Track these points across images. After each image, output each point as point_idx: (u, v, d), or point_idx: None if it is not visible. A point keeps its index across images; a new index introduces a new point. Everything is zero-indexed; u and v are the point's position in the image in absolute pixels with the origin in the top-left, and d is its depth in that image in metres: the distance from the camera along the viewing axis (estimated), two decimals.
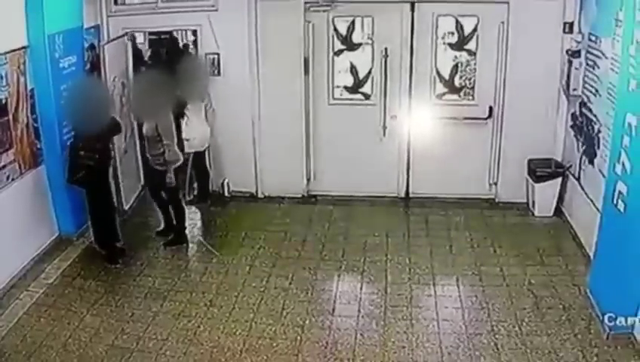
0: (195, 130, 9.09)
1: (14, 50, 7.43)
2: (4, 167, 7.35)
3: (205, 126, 9.48)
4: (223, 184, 10.12)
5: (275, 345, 6.49)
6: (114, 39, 9.36)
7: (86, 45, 8.86)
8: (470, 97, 9.55)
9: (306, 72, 9.58)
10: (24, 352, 6.39)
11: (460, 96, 9.60)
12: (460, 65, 9.46)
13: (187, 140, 8.70)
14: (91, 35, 9.14)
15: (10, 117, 7.40)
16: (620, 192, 6.24)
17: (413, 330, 6.67)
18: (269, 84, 9.62)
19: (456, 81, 9.52)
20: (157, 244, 8.63)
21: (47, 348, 6.45)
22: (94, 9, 9.29)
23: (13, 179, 7.53)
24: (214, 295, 7.44)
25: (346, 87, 9.79)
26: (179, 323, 6.88)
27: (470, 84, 9.49)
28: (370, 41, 9.53)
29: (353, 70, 9.68)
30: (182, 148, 8.41)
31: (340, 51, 9.63)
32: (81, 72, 8.58)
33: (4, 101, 7.27)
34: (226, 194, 10.14)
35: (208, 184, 10.07)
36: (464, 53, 9.40)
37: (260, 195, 10.20)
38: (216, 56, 9.60)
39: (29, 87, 7.72)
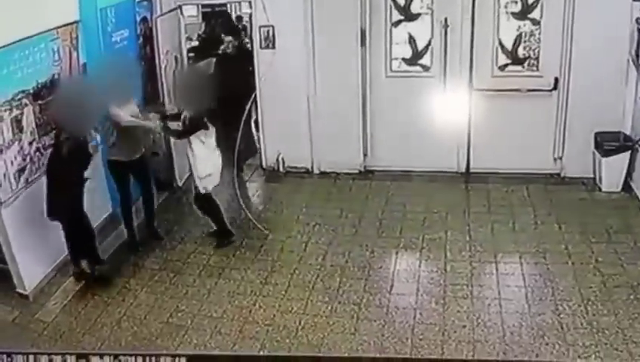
0: (211, 162, 7.79)
1: (66, 25, 7.40)
2: None
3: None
4: (277, 159, 10.11)
5: (331, 323, 6.48)
6: (167, 12, 9.33)
7: (138, 19, 8.82)
8: (534, 68, 9.34)
9: (363, 43, 9.45)
10: (78, 329, 6.48)
11: (523, 67, 9.39)
12: (523, 35, 9.24)
13: (201, 178, 7.77)
14: (144, 8, 9.04)
15: None
16: None
17: (473, 309, 6.60)
18: (325, 56, 9.50)
19: (520, 52, 9.31)
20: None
21: (101, 325, 6.53)
22: None
23: None
24: (269, 272, 7.43)
25: (404, 59, 9.64)
26: (234, 301, 6.91)
27: (534, 54, 9.27)
28: (429, 11, 9.34)
29: (412, 41, 9.51)
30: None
31: (398, 22, 9.47)
32: (134, 45, 8.57)
33: (56, 76, 7.25)
34: (281, 169, 10.13)
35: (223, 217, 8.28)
36: (528, 23, 9.17)
37: (315, 171, 10.13)
38: (270, 28, 9.50)
39: (81, 62, 7.70)
